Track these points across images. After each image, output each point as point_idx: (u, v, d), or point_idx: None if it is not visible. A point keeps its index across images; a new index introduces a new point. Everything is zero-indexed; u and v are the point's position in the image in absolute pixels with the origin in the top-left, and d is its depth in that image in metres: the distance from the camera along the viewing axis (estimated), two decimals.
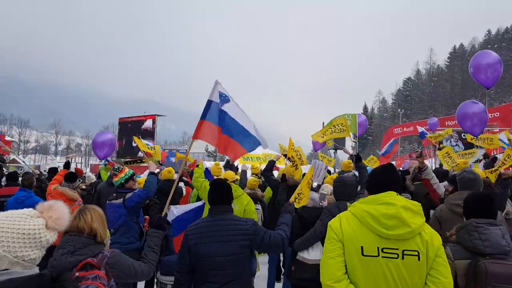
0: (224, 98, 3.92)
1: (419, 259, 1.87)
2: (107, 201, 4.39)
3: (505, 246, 2.25)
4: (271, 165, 5.91)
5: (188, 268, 2.79)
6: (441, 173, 5.46)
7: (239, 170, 5.93)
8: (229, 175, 4.79)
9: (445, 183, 4.23)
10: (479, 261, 2.22)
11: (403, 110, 61.09)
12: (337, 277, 1.93)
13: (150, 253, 2.69)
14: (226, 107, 3.89)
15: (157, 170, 6.75)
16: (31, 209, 1.49)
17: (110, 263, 2.18)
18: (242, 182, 5.51)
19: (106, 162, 6.76)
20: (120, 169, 4.57)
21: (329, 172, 8.34)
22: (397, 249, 1.89)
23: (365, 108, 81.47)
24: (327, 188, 4.80)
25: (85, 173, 7.70)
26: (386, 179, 2.11)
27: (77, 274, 1.95)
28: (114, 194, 4.41)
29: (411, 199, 4.13)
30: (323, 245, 2.32)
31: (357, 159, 4.74)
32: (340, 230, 2.02)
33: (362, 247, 1.93)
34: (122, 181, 4.47)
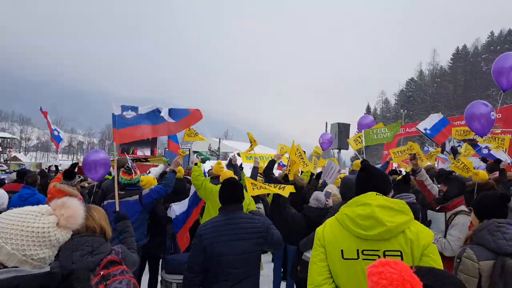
0: (133, 108, 4.37)
1: (402, 260, 1.79)
2: (110, 199, 4.20)
3: None
4: (272, 164, 6.14)
5: (200, 268, 2.75)
6: (445, 174, 5.43)
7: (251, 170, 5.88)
8: (229, 174, 4.77)
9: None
10: (506, 261, 2.19)
11: (405, 111, 61.05)
12: (318, 281, 1.92)
13: (133, 243, 2.95)
14: (140, 110, 4.43)
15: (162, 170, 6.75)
16: (45, 205, 1.41)
17: (123, 258, 2.20)
18: None
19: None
20: (135, 168, 4.49)
21: None
22: (378, 250, 1.84)
23: (368, 108, 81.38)
24: (332, 188, 4.84)
25: None
26: (367, 181, 2.08)
27: (101, 272, 1.93)
28: (122, 192, 4.27)
29: (415, 199, 4.18)
30: None
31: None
32: (322, 235, 2.01)
33: (342, 251, 1.90)
34: (137, 181, 4.40)
